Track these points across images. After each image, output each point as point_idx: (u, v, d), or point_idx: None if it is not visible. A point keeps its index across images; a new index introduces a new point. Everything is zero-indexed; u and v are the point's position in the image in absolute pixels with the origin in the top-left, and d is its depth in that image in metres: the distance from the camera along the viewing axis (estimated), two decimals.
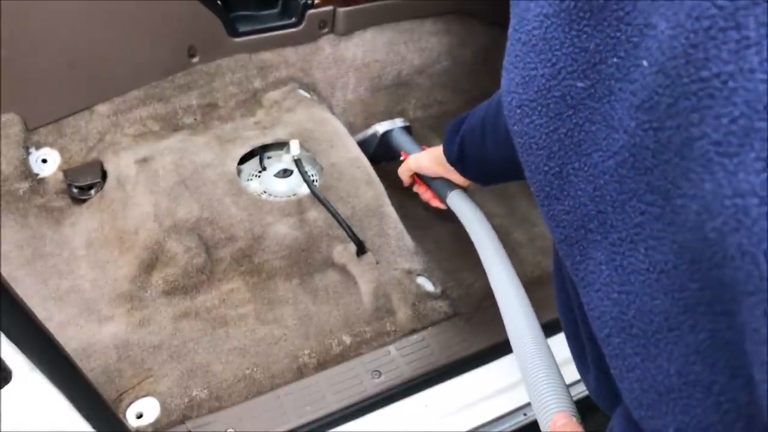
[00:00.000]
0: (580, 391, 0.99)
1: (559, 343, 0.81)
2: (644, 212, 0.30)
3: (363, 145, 1.27)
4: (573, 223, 0.36)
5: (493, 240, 0.86)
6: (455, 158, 0.88)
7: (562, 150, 0.35)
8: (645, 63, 0.28)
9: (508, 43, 0.37)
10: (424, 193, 1.05)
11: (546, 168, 0.36)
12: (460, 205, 0.94)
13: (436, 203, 1.03)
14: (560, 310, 0.52)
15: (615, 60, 0.31)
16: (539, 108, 0.35)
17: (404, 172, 1.06)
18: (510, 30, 0.37)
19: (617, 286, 0.33)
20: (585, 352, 0.49)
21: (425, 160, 0.99)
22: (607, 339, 0.35)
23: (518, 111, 0.37)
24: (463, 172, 0.90)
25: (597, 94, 0.32)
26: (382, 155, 1.26)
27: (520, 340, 0.67)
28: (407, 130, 1.24)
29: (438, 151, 0.95)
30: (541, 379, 0.59)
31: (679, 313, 0.29)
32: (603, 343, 0.36)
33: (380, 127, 1.24)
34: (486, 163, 0.84)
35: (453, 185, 0.97)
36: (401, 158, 1.13)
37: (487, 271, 0.83)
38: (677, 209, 0.28)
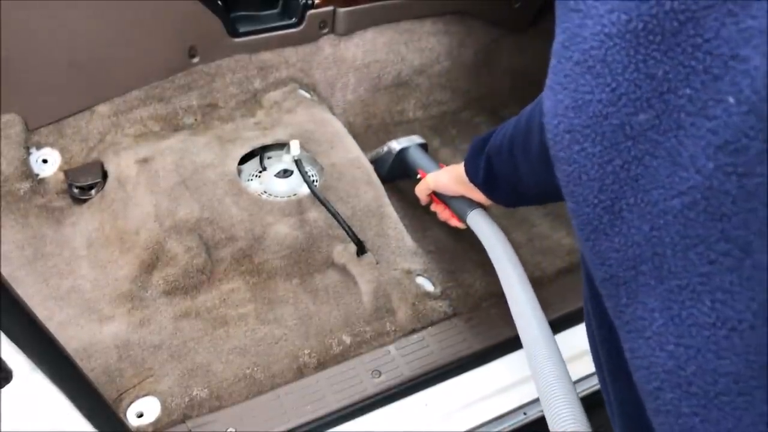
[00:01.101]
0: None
1: (568, 338, 0.81)
2: (714, 262, 0.27)
3: (377, 163, 1.24)
4: (622, 262, 0.33)
5: (515, 264, 0.84)
6: (481, 180, 0.86)
7: (616, 183, 0.32)
8: (731, 100, 0.25)
9: (554, 61, 0.34)
10: (442, 212, 1.03)
11: (596, 201, 0.33)
12: (481, 225, 0.91)
13: (455, 223, 1.01)
14: (590, 341, 0.49)
15: (687, 91, 0.28)
16: (593, 135, 0.32)
17: (422, 191, 1.03)
18: (557, 46, 0.33)
19: (674, 337, 0.30)
20: (606, 387, 0.47)
21: (444, 178, 0.96)
22: (656, 392, 0.32)
23: (567, 136, 0.34)
24: (489, 194, 0.88)
25: (662, 126, 0.29)
26: (397, 173, 1.23)
27: (541, 369, 0.67)
28: (423, 147, 1.21)
29: (458, 169, 0.93)
30: (564, 414, 0.60)
31: (753, 377, 0.27)
32: (649, 395, 0.33)
33: (396, 144, 1.20)
34: (516, 186, 0.81)
35: (473, 204, 0.94)
36: (418, 176, 1.11)
37: (507, 295, 0.81)
38: (760, 264, 0.25)
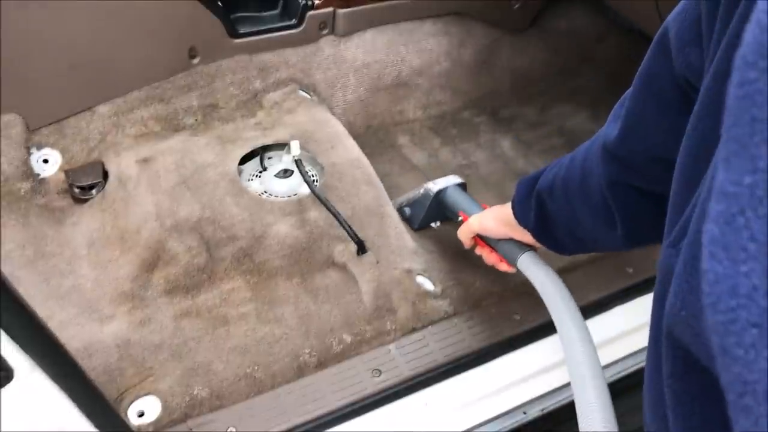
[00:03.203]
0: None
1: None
2: None
3: (412, 206, 1.17)
4: None
5: (572, 310, 0.79)
6: (533, 224, 0.81)
7: None
8: None
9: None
10: (489, 256, 0.97)
11: None
12: (533, 268, 0.86)
13: (504, 267, 0.95)
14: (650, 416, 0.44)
15: None
16: None
17: (465, 234, 0.98)
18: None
19: None
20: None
21: (490, 221, 0.91)
22: None
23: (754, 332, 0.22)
24: (542, 239, 0.83)
25: None
26: (435, 216, 1.17)
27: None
28: (462, 187, 1.14)
29: (504, 211, 0.88)
30: None
31: None
32: None
33: (433, 186, 1.13)
34: (574, 231, 0.76)
35: (523, 246, 0.89)
36: (459, 219, 1.05)
37: (562, 344, 0.77)
38: None
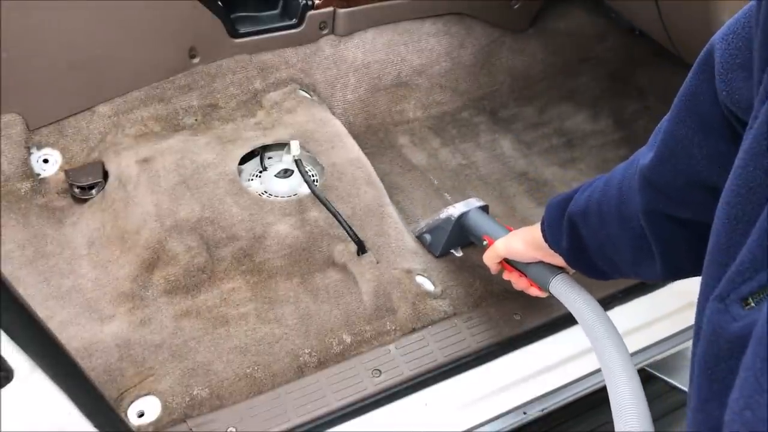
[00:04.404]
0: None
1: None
2: None
3: (433, 232, 1.12)
4: None
5: (613, 337, 0.73)
6: (565, 248, 0.77)
7: None
8: None
9: None
10: (518, 281, 0.92)
11: None
12: (567, 292, 0.81)
13: (534, 292, 0.91)
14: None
15: None
16: None
17: (491, 259, 0.93)
18: None
19: None
20: None
21: (518, 244, 0.86)
22: None
23: None
24: (575, 263, 0.79)
25: None
26: (457, 241, 1.12)
27: None
28: (484, 210, 1.09)
29: (533, 233, 0.83)
30: None
31: None
32: None
33: (454, 210, 1.08)
34: (612, 256, 0.72)
35: (554, 269, 0.84)
36: (485, 243, 1.00)
37: (604, 373, 0.71)
38: None
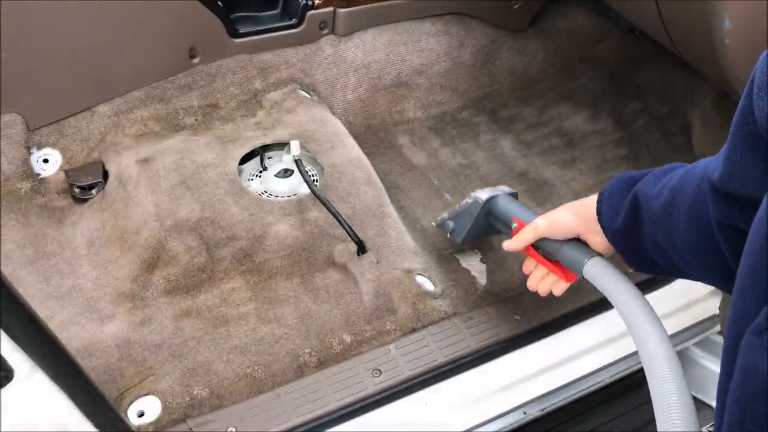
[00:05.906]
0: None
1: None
2: None
3: (457, 218, 1.06)
4: None
5: (655, 325, 0.69)
6: (618, 226, 0.71)
7: None
8: None
9: None
10: (537, 272, 0.87)
11: None
12: (603, 275, 0.75)
13: (559, 288, 0.84)
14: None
15: None
16: None
17: (524, 239, 0.86)
18: None
19: None
20: None
21: (564, 215, 0.80)
22: None
23: None
24: (621, 246, 0.74)
25: None
26: (483, 229, 1.04)
27: None
28: (514, 197, 1.03)
29: (585, 203, 0.78)
30: None
31: None
32: None
33: (482, 194, 1.01)
34: (666, 249, 0.68)
35: (590, 251, 0.79)
36: (514, 226, 0.93)
37: (644, 364, 0.68)
38: None
